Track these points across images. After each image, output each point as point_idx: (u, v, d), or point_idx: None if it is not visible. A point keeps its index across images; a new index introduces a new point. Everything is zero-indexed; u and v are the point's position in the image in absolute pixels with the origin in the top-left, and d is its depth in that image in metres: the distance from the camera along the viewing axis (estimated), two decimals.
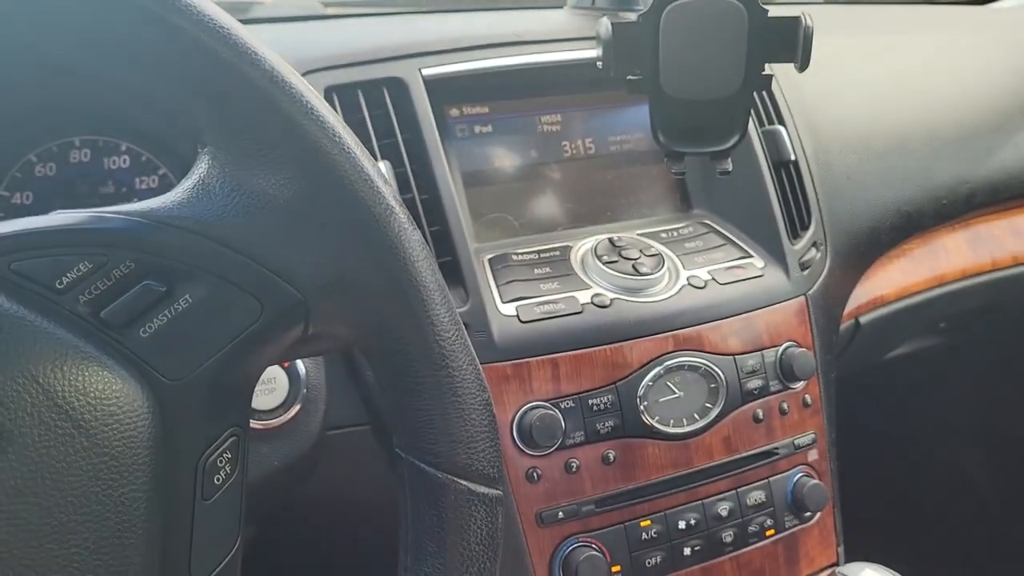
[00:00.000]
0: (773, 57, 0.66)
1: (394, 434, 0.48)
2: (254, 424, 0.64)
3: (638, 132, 0.88)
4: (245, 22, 0.47)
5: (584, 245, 0.80)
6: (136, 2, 0.40)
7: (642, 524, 0.74)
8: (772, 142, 0.87)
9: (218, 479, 0.42)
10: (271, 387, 0.66)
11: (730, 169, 0.70)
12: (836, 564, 0.84)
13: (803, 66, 0.64)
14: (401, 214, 0.45)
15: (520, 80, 0.84)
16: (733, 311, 0.78)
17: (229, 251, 0.41)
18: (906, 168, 0.98)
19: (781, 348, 0.80)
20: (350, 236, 0.43)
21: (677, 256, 0.80)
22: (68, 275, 0.39)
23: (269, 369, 0.64)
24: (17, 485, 0.35)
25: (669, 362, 0.75)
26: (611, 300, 0.75)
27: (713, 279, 0.79)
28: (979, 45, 1.15)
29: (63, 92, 0.72)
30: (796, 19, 0.64)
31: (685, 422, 0.75)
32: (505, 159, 0.83)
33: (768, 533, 0.79)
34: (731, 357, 0.77)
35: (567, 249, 0.80)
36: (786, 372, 0.79)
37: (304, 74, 0.72)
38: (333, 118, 0.44)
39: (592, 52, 0.71)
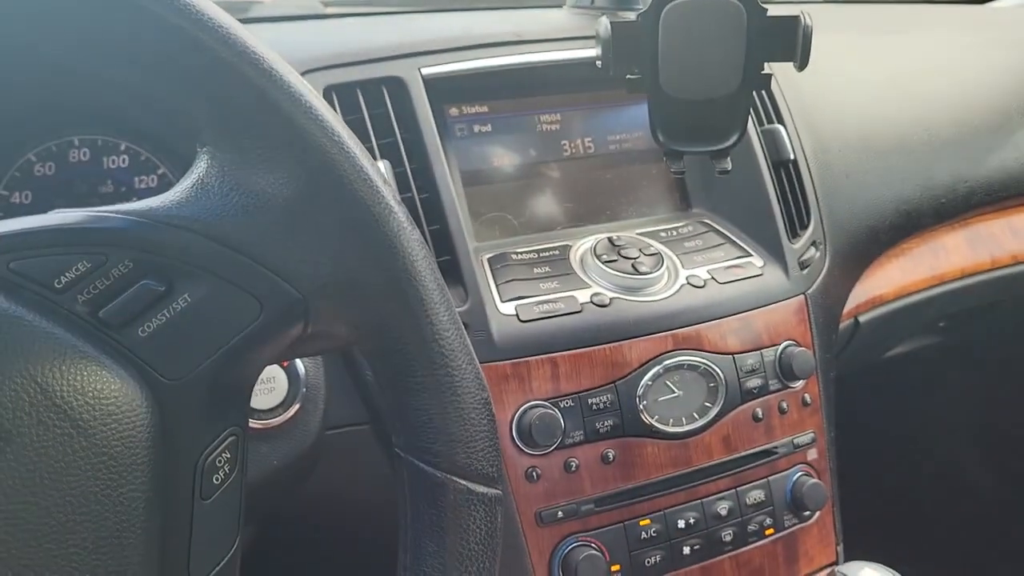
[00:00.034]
0: (772, 56, 0.66)
1: (393, 433, 0.48)
2: (253, 423, 0.64)
3: (637, 131, 0.88)
4: (245, 21, 0.47)
5: (583, 244, 0.80)
6: (136, 2, 0.40)
7: (641, 523, 0.75)
8: (771, 141, 0.87)
9: (217, 479, 0.42)
10: (270, 386, 0.66)
11: (729, 168, 0.70)
12: (835, 563, 0.84)
13: (802, 65, 0.64)
14: (400, 213, 0.45)
15: (519, 79, 0.84)
16: (732, 310, 0.78)
17: (228, 250, 0.41)
18: (905, 167, 0.98)
19: (780, 347, 0.80)
20: (349, 235, 0.43)
21: (676, 255, 0.80)
22: (67, 274, 0.39)
23: (268, 368, 0.64)
24: (15, 485, 0.35)
25: (668, 361, 0.75)
26: (610, 299, 0.75)
27: (712, 278, 0.79)
28: (978, 45, 1.15)
29: (62, 91, 0.72)
30: (795, 18, 0.64)
31: (684, 421, 0.75)
32: (504, 158, 0.83)
33: (767, 532, 0.79)
34: (730, 356, 0.77)
35: (566, 248, 0.80)
36: (785, 371, 0.79)
37: (303, 73, 0.72)
38: (332, 117, 0.44)
39: (591, 51, 0.71)
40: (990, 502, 1.48)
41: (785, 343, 0.80)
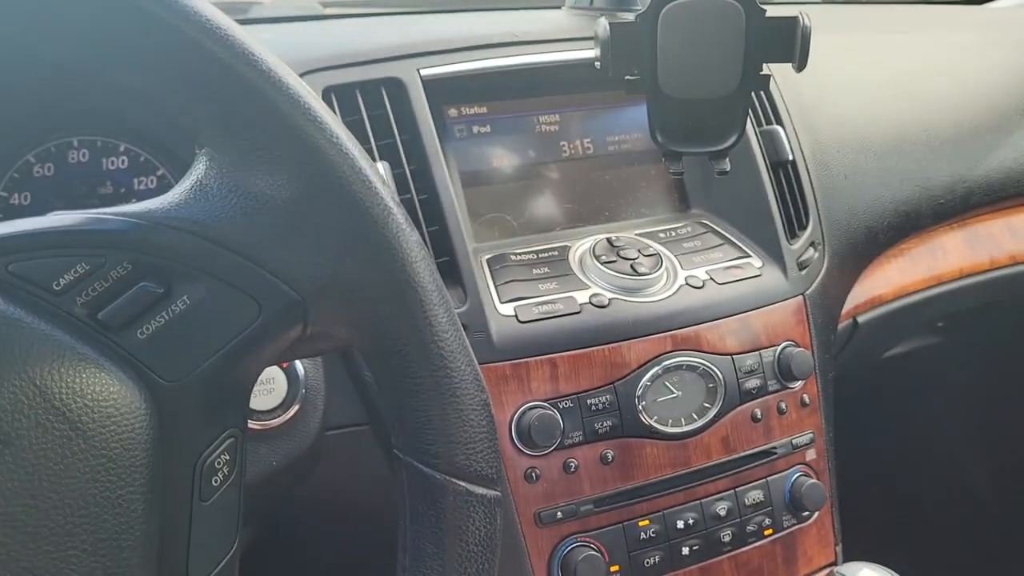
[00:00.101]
0: (771, 57, 0.66)
1: (392, 435, 0.48)
2: (253, 424, 0.64)
3: (636, 132, 0.88)
4: (243, 22, 0.47)
5: (582, 245, 0.80)
6: (135, 3, 0.40)
7: (640, 524, 0.75)
8: (770, 142, 0.87)
9: (216, 480, 0.42)
10: (270, 387, 0.66)
11: (728, 169, 0.70)
12: (834, 563, 0.84)
13: (801, 66, 0.65)
14: (399, 215, 0.45)
15: (518, 80, 0.84)
16: (731, 311, 0.78)
17: (227, 252, 0.41)
18: (904, 168, 0.98)
19: (779, 348, 0.80)
20: (348, 237, 0.43)
21: (675, 256, 0.80)
22: (66, 276, 0.39)
23: (268, 369, 0.64)
24: (14, 487, 0.35)
25: (667, 362, 0.75)
26: (609, 300, 0.75)
27: (711, 279, 0.79)
28: (977, 45, 1.15)
29: (62, 92, 0.72)
30: (794, 19, 0.64)
31: (683, 422, 0.75)
32: (503, 159, 0.83)
33: (766, 532, 0.79)
34: (729, 357, 0.77)
35: (565, 249, 0.80)
36: (784, 372, 0.79)
37: (302, 75, 0.72)
38: (331, 119, 0.44)
39: (590, 52, 0.71)
40: (989, 502, 1.48)
41: (784, 343, 0.80)
